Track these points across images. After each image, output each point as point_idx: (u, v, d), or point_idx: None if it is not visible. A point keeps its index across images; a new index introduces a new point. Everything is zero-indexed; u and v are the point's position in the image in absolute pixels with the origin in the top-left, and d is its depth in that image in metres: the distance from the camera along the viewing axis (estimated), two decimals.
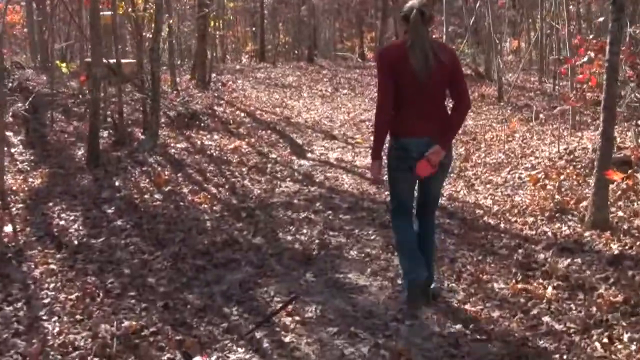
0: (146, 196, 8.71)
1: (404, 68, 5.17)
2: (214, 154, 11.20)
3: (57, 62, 16.69)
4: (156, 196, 8.75)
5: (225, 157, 11.02)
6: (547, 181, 9.03)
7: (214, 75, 21.80)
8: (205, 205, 8.41)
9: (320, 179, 9.90)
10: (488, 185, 9.36)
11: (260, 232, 7.47)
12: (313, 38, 32.47)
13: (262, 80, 22.30)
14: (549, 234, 7.21)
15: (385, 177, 5.68)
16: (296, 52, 33.88)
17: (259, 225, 7.70)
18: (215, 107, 15.60)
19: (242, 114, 15.09)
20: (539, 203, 8.19)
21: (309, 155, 11.64)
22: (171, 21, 17.16)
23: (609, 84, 7.02)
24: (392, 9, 35.22)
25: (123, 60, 15.14)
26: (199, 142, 12.03)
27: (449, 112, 5.35)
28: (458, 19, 24.12)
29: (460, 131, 12.97)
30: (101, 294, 5.77)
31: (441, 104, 5.37)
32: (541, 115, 14.52)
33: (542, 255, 6.58)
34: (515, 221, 7.73)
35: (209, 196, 8.77)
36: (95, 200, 8.48)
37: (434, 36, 5.82)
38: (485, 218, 7.92)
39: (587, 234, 7.05)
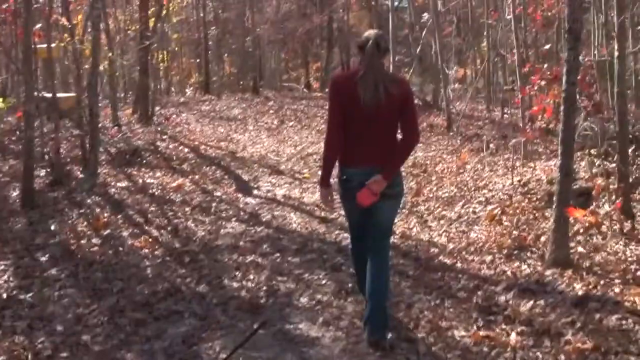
0: (83, 241, 8.19)
1: (353, 98, 5.18)
2: (156, 193, 10.71)
3: None
4: (94, 241, 8.24)
5: (167, 197, 10.54)
6: (503, 216, 8.74)
7: (157, 108, 21.30)
8: (146, 250, 7.92)
9: (267, 218, 9.47)
10: (442, 221, 9.03)
11: (204, 279, 7.02)
12: (258, 69, 32.13)
13: (207, 113, 21.83)
14: (509, 273, 6.91)
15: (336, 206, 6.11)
16: (242, 83, 33.44)
17: (203, 271, 7.24)
18: (158, 143, 15.06)
19: (186, 150, 14.58)
20: (496, 240, 7.89)
21: (255, 192, 11.21)
22: (110, 54, 16.63)
23: (566, 115, 6.75)
24: (337, 38, 35.22)
25: (62, 95, 14.66)
26: (140, 181, 11.52)
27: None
28: (404, 47, 23.98)
29: (410, 163, 12.72)
30: (29, 357, 5.29)
31: (389, 137, 5.34)
32: (491, 146, 14.31)
33: (502, 298, 6.26)
34: (472, 260, 7.40)
35: (150, 240, 8.28)
36: (28, 247, 7.95)
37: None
38: (441, 257, 7.57)
39: (548, 272, 6.76)
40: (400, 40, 24.99)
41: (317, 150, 14.65)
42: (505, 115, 18.79)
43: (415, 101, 18.91)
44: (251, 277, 7.04)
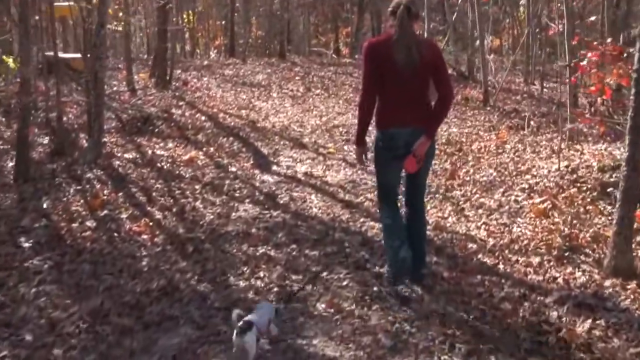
0: (75, 224, 7.27)
1: (388, 62, 5.39)
2: (165, 167, 9.77)
3: (4, 57, 15.26)
4: (88, 223, 7.33)
5: (177, 171, 9.60)
6: (550, 208, 7.73)
7: (178, 72, 20.41)
8: (145, 236, 7.01)
9: (285, 199, 8.51)
10: (480, 210, 8.03)
11: (207, 274, 6.09)
12: (286, 33, 31.03)
13: (230, 77, 20.84)
14: (560, 280, 5.92)
15: (369, 164, 6.27)
16: (270, 46, 32.36)
17: (207, 264, 6.31)
18: (174, 110, 14.07)
19: (203, 118, 13.59)
20: (543, 237, 6.88)
21: (274, 168, 10.25)
22: (121, 14, 15.65)
23: (638, 98, 5.71)
24: (368, 3, 34.16)
25: (72, 55, 13.75)
26: (149, 152, 10.60)
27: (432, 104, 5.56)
28: (439, 15, 22.84)
29: (443, 140, 11.73)
30: None
31: (424, 97, 5.53)
32: (532, 123, 13.27)
33: (554, 313, 5.29)
34: (517, 261, 6.41)
35: (151, 224, 7.36)
36: (12, 230, 7.05)
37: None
38: (480, 256, 6.59)
39: (607, 283, 5.77)
40: (434, 7, 23.75)
41: (345, 121, 13.68)
42: (545, 90, 17.73)
43: (449, 71, 17.85)
44: (261, 274, 6.11)
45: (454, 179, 9.40)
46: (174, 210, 7.93)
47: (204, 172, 9.65)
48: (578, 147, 10.34)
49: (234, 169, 9.95)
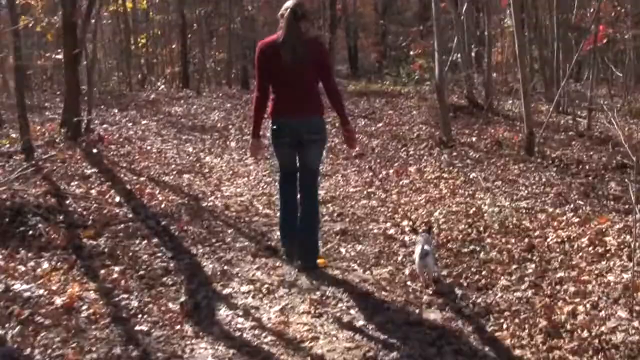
0: None
1: (277, 60, 6.08)
2: (13, 333, 5.02)
3: None
4: None
5: (26, 352, 4.88)
6: None
7: (114, 111, 15.90)
8: None
9: None
10: None
11: None
12: (250, 56, 26.49)
13: (177, 118, 16.15)
14: None
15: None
16: (233, 72, 27.71)
17: None
18: (74, 186, 9.02)
19: (118, 198, 8.57)
20: None
21: (222, 311, 5.60)
22: None
23: None
24: (340, 19, 31.58)
25: None
26: (1, 286, 5.89)
27: (320, 96, 6.34)
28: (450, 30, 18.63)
29: (496, 226, 7.26)
30: None
31: (311, 91, 6.26)
32: (612, 184, 8.87)
33: None
34: None
35: None
36: None
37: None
38: None
39: None
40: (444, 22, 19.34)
41: (344, 193, 9.21)
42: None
43: (461, 101, 13.75)
44: None
45: (558, 337, 4.92)
46: None
47: (87, 338, 4.97)
48: None
49: (144, 327, 5.28)
